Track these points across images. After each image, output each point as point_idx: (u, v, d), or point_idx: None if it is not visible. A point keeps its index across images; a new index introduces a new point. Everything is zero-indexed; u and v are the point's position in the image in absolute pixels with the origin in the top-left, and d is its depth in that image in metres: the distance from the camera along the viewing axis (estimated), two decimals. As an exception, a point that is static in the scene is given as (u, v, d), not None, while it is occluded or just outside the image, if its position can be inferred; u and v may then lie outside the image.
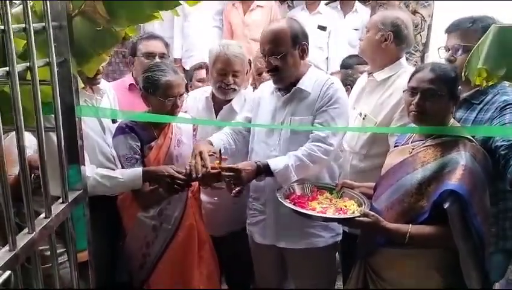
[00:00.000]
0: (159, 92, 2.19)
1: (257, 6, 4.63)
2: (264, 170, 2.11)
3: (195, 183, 2.45)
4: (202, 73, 3.18)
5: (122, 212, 2.37)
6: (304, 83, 2.24)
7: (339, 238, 2.36)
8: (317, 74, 2.33)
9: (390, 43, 2.36)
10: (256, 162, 2.12)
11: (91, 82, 2.24)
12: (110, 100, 2.46)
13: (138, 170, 2.12)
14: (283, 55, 2.16)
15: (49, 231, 1.11)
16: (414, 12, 4.30)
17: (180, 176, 2.10)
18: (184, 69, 4.30)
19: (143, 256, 2.32)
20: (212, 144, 2.26)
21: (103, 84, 2.43)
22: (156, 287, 2.32)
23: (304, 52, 2.24)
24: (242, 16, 4.63)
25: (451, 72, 1.83)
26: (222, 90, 2.53)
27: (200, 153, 2.14)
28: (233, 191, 2.24)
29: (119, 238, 2.41)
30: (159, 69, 2.22)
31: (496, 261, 1.92)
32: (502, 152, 1.75)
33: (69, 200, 1.23)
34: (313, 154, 2.13)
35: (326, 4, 4.75)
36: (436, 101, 1.80)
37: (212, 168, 2.10)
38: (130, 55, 2.80)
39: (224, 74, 2.50)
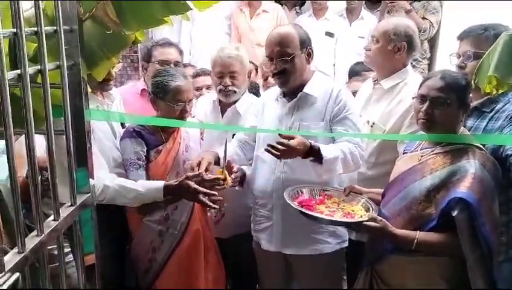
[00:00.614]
0: (168, 97, 2.20)
1: (263, 11, 4.64)
2: (314, 153, 2.06)
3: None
4: (200, 81, 3.15)
5: (128, 217, 2.37)
6: (310, 88, 2.24)
7: (346, 244, 2.35)
8: (322, 79, 2.35)
9: (404, 53, 2.36)
10: (310, 143, 2.06)
11: (103, 88, 2.23)
12: (118, 105, 2.47)
13: (160, 184, 2.08)
14: (292, 57, 2.16)
15: (57, 233, 1.11)
16: (422, 18, 4.29)
17: (204, 190, 2.06)
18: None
19: (149, 261, 2.31)
20: (218, 156, 2.26)
21: (112, 89, 2.43)
22: (161, 292, 2.31)
23: (309, 56, 2.25)
24: (249, 20, 4.64)
25: (461, 80, 1.82)
26: (223, 93, 2.54)
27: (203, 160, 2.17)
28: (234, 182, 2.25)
29: (126, 242, 2.40)
30: (169, 74, 2.22)
31: (506, 270, 1.89)
32: None
33: (77, 204, 1.23)
34: (354, 154, 2.14)
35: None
36: (445, 109, 1.79)
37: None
38: (144, 60, 2.80)
39: (222, 76, 2.51)
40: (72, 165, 1.22)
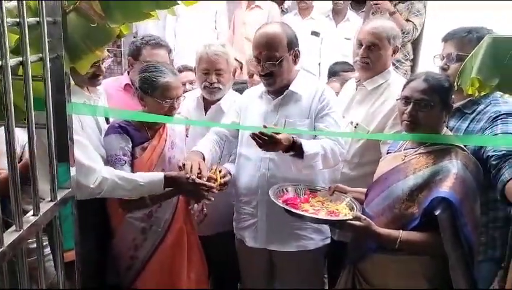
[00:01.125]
0: (156, 93, 2.16)
1: (256, 6, 4.64)
2: (295, 148, 2.07)
3: None
4: (182, 76, 3.05)
5: (110, 213, 2.33)
6: (296, 86, 2.25)
7: (328, 241, 2.36)
8: (307, 77, 2.37)
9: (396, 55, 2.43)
10: (293, 137, 2.06)
11: (92, 83, 2.16)
12: (103, 100, 2.42)
13: (160, 175, 2.08)
14: (280, 60, 2.16)
15: (36, 228, 1.09)
16: (406, 20, 4.33)
17: (205, 183, 2.07)
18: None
19: (131, 258, 2.28)
20: (203, 156, 2.25)
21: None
22: (142, 290, 2.29)
23: (296, 57, 2.25)
24: (244, 13, 4.65)
25: (444, 82, 1.84)
26: (207, 90, 2.52)
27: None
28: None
29: (107, 238, 2.37)
30: (158, 70, 2.19)
31: (484, 270, 1.93)
32: (493, 162, 1.76)
33: (58, 199, 1.21)
34: (335, 151, 2.16)
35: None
36: (429, 111, 1.81)
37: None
38: (131, 56, 2.73)
39: (207, 73, 2.50)
40: (53, 159, 1.20)
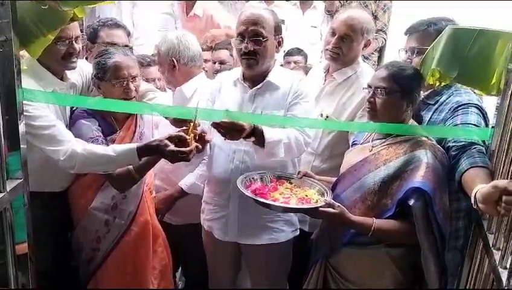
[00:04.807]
0: (107, 76, 2.09)
1: (194, 14, 4.37)
2: (256, 135, 2.00)
3: (151, 178, 2.43)
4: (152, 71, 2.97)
5: (72, 203, 2.26)
6: (274, 77, 2.19)
7: (297, 233, 2.33)
8: (283, 69, 2.35)
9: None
10: (253, 125, 1.99)
11: (66, 64, 2.02)
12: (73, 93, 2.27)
13: (132, 146, 1.99)
14: (266, 40, 2.10)
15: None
16: (374, 17, 4.35)
17: (181, 149, 1.94)
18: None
19: (92, 250, 2.23)
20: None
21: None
22: (103, 283, 2.24)
23: (279, 45, 2.21)
24: (185, 18, 4.47)
25: (405, 71, 1.84)
26: None
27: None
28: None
29: (65, 229, 2.30)
30: (107, 53, 2.12)
31: (446, 259, 1.96)
32: (453, 153, 1.78)
33: (8, 190, 1.16)
34: (299, 140, 2.10)
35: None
36: (386, 98, 1.82)
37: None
38: (89, 41, 2.63)
39: None
40: (1, 148, 1.15)
